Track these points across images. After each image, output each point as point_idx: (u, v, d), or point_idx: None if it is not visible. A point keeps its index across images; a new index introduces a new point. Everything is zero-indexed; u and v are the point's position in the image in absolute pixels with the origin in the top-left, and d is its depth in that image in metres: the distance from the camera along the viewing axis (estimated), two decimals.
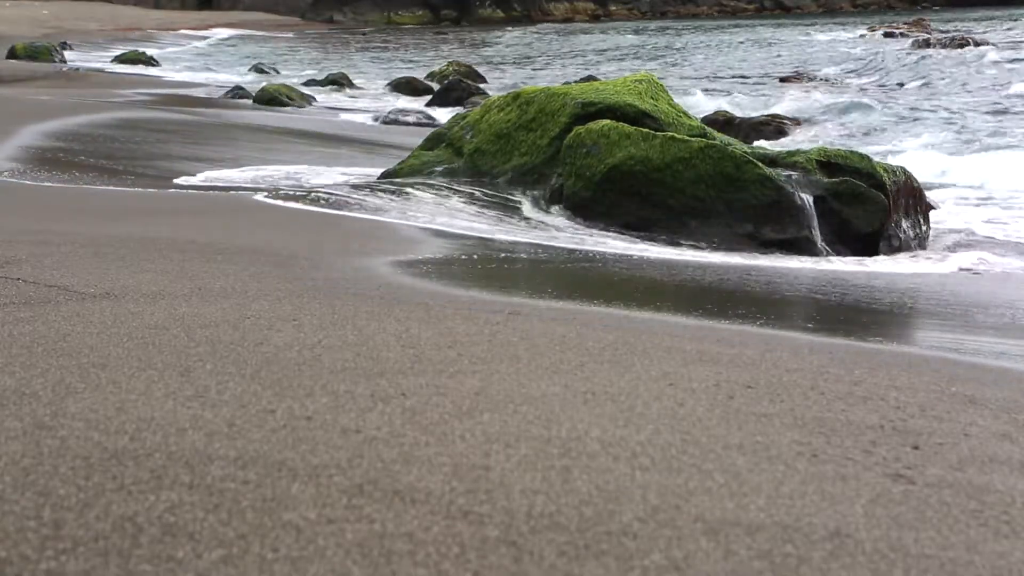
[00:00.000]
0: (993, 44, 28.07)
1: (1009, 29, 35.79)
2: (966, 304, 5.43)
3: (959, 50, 26.24)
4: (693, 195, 7.07)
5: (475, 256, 5.69)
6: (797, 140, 13.90)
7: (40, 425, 2.31)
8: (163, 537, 1.82)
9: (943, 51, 26.41)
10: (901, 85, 20.72)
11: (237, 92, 18.99)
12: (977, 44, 27.60)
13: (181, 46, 38.08)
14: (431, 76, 24.19)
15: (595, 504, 2.05)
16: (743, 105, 17.47)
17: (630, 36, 45.31)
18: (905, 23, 33.65)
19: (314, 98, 19.22)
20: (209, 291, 3.90)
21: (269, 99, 17.51)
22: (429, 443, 2.33)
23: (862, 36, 31.53)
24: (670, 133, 7.41)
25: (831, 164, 7.28)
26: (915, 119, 15.83)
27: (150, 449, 2.20)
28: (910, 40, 29.59)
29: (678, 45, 38.48)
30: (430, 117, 15.73)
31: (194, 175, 8.70)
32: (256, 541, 1.82)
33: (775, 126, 14.91)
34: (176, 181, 8.31)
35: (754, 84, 22.63)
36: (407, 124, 15.08)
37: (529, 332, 3.54)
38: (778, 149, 8.08)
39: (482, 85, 21.81)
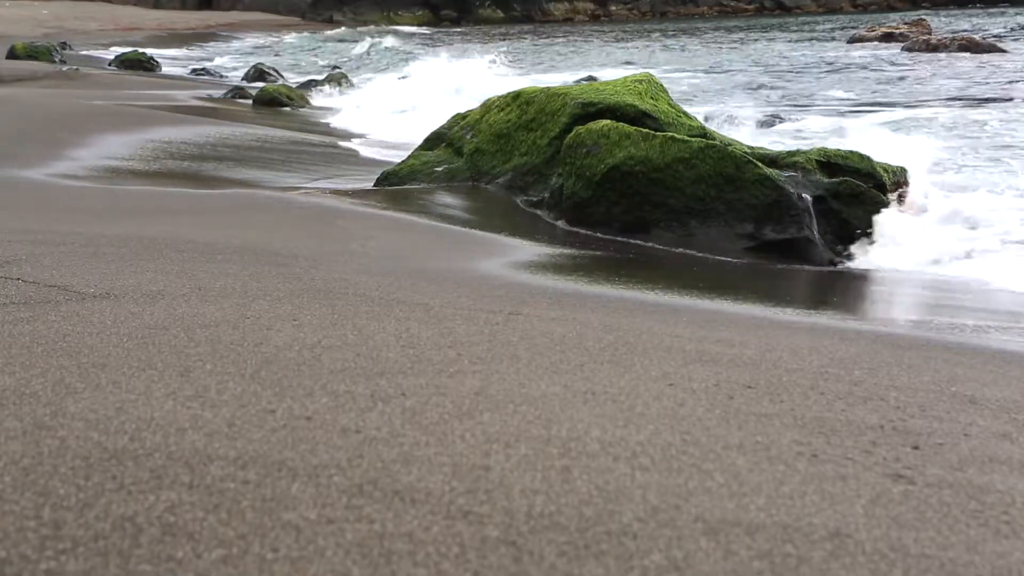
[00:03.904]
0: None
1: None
2: None
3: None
4: (693, 195, 7.07)
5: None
6: None
7: (40, 425, 2.31)
8: (163, 537, 1.82)
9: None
10: None
11: (237, 92, 18.99)
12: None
13: (186, 50, 38.05)
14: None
15: (595, 504, 2.05)
16: None
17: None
18: (905, 23, 33.32)
19: (313, 98, 19.22)
20: (209, 291, 3.90)
21: (268, 100, 17.54)
22: (429, 443, 2.33)
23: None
24: (670, 133, 7.41)
25: (831, 164, 7.28)
26: None
27: (150, 449, 2.20)
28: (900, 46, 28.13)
29: None
30: None
31: None
32: (256, 541, 1.82)
33: None
34: None
35: None
36: None
37: (529, 332, 3.54)
38: (778, 149, 8.07)
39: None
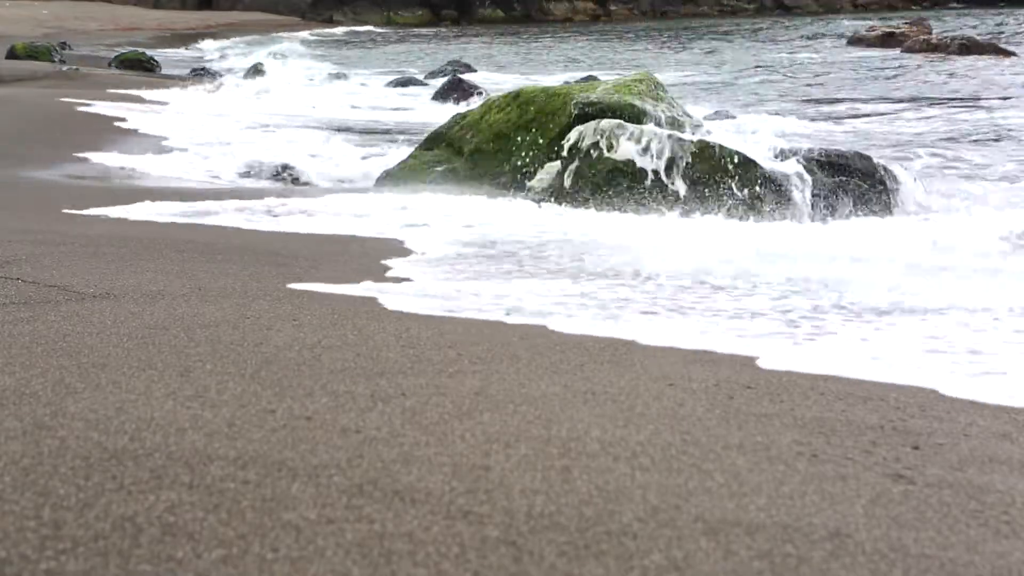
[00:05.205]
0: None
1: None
2: None
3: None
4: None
5: None
6: None
7: (40, 425, 2.31)
8: (163, 537, 1.82)
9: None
10: None
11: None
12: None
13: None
14: (431, 75, 24.17)
15: (595, 504, 2.05)
16: None
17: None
18: (906, 23, 33.08)
19: None
20: (209, 291, 3.90)
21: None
22: (429, 443, 2.33)
23: None
24: (670, 132, 7.41)
25: (831, 163, 7.29)
26: None
27: (150, 449, 2.20)
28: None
29: None
30: None
31: None
32: (256, 541, 1.82)
33: None
34: None
35: None
36: None
37: (529, 332, 3.54)
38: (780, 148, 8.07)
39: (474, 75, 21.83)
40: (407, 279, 4.52)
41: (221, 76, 23.31)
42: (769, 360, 3.32)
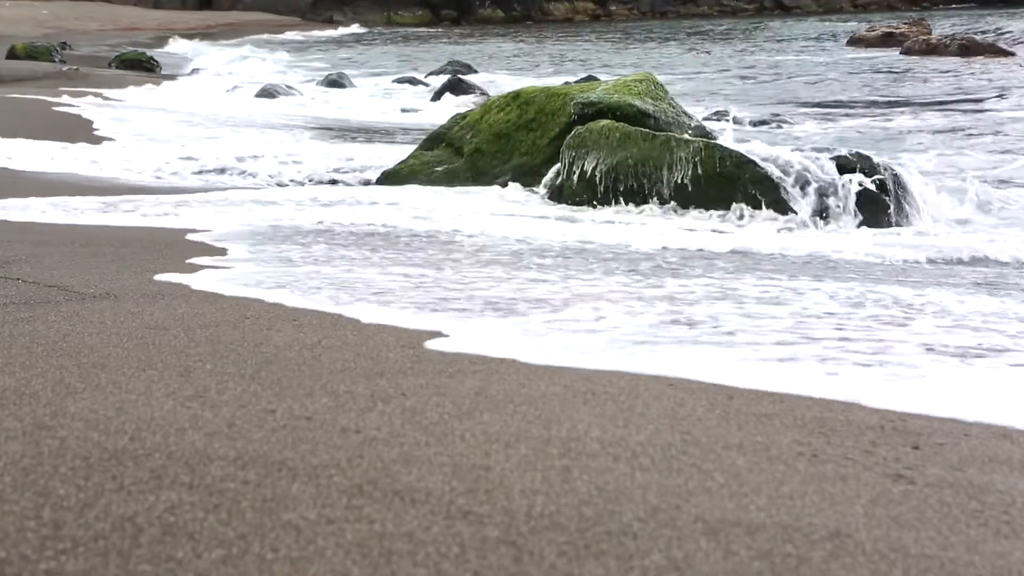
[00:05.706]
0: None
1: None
2: None
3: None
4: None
5: None
6: None
7: (40, 425, 2.31)
8: (163, 537, 1.82)
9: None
10: None
11: (236, 89, 19.08)
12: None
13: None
14: (431, 75, 24.19)
15: (595, 504, 2.05)
16: None
17: None
18: (905, 24, 32.98)
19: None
20: (209, 291, 3.90)
21: (268, 95, 17.78)
22: (429, 443, 2.33)
23: None
24: (670, 133, 7.41)
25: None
26: None
27: (150, 449, 2.20)
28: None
29: None
30: None
31: None
32: (256, 541, 1.82)
33: None
34: None
35: None
36: None
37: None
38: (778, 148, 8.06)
39: (474, 75, 21.88)
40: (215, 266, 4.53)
41: (215, 74, 23.34)
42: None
